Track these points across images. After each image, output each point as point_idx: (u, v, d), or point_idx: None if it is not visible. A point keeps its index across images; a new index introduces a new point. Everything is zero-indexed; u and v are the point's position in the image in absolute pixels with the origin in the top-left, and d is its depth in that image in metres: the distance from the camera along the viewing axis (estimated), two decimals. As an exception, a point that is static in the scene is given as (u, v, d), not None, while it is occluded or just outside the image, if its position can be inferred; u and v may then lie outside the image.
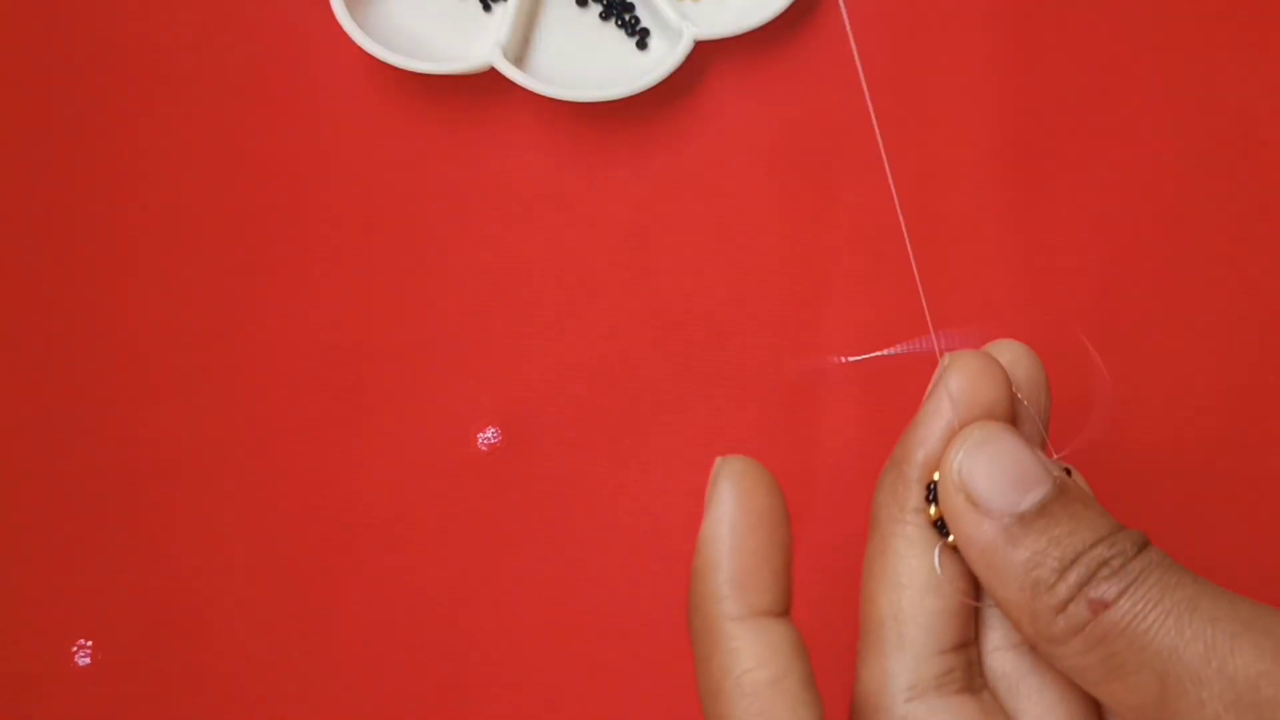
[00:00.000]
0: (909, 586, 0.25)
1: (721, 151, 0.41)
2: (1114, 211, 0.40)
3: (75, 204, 0.41)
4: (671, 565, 0.39)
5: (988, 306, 0.40)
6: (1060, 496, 0.23)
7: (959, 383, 0.25)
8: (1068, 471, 0.26)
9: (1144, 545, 0.22)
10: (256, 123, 0.42)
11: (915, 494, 0.25)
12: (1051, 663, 0.23)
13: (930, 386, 0.25)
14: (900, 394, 0.39)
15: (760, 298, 0.40)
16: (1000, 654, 0.26)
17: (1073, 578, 0.22)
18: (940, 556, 0.24)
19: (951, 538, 0.24)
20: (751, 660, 0.23)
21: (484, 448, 0.40)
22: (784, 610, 0.24)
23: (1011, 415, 0.25)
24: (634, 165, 0.41)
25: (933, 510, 0.24)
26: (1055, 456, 0.26)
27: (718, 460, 0.25)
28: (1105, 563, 0.22)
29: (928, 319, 0.27)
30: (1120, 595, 0.21)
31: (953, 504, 0.23)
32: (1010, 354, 0.26)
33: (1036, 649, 0.23)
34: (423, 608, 0.39)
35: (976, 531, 0.23)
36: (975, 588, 0.25)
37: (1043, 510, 0.23)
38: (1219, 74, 0.41)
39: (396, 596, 0.39)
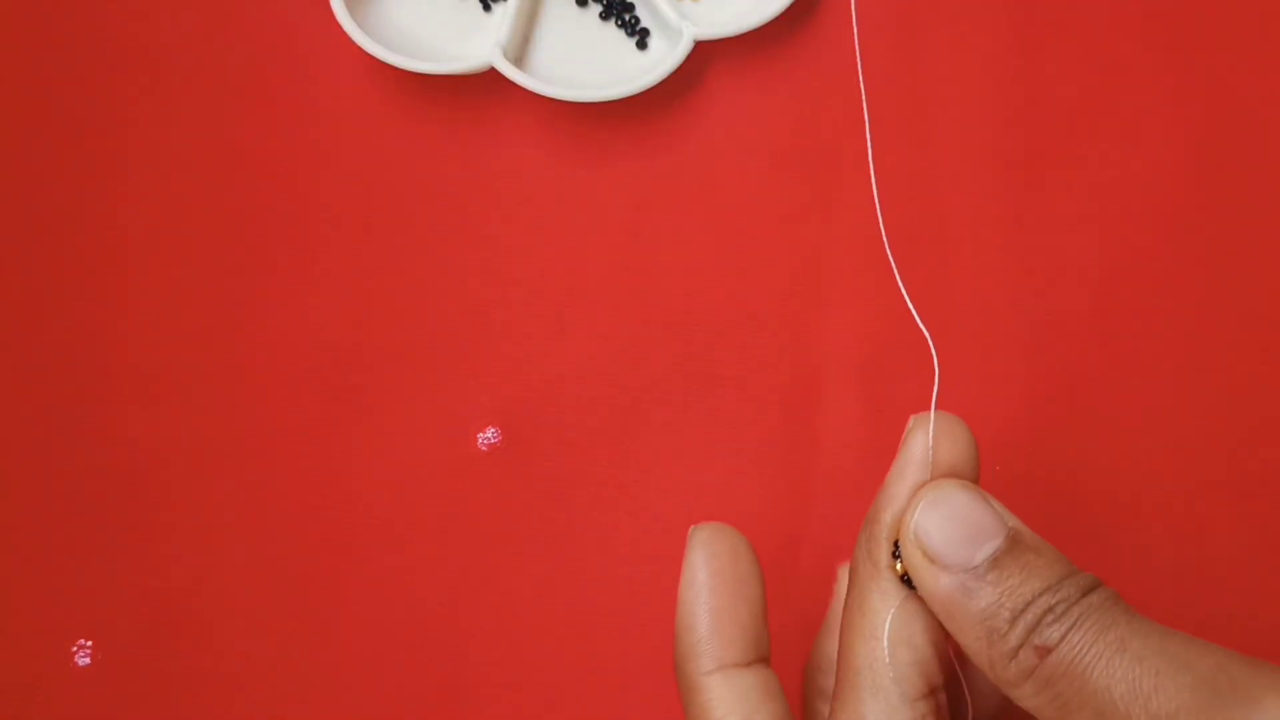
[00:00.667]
0: (881, 639, 0.27)
1: (721, 151, 0.41)
2: (1114, 212, 0.40)
3: (74, 203, 0.41)
4: (671, 565, 0.39)
5: (987, 306, 0.40)
6: (1012, 549, 0.24)
7: (923, 442, 0.27)
8: None
9: (1089, 590, 0.24)
10: (256, 122, 0.42)
11: (886, 550, 0.27)
12: (1015, 703, 0.24)
13: (901, 446, 0.27)
14: (900, 394, 0.39)
15: (760, 297, 0.40)
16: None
17: (1021, 626, 0.23)
18: (890, 624, 0.26)
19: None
20: (722, 708, 0.26)
21: (484, 448, 0.40)
22: (755, 658, 0.27)
23: (976, 473, 0.27)
24: (634, 165, 0.41)
25: (898, 565, 0.26)
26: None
27: (690, 530, 0.28)
28: (1050, 609, 0.23)
29: (923, 330, 0.28)
30: (1061, 640, 0.23)
31: (912, 560, 0.25)
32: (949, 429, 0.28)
33: (1005, 692, 0.25)
34: (423, 608, 0.39)
35: (936, 586, 0.25)
36: (945, 639, 0.27)
37: (995, 563, 0.24)
38: (1220, 74, 0.41)
39: (396, 596, 0.39)
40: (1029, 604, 0.23)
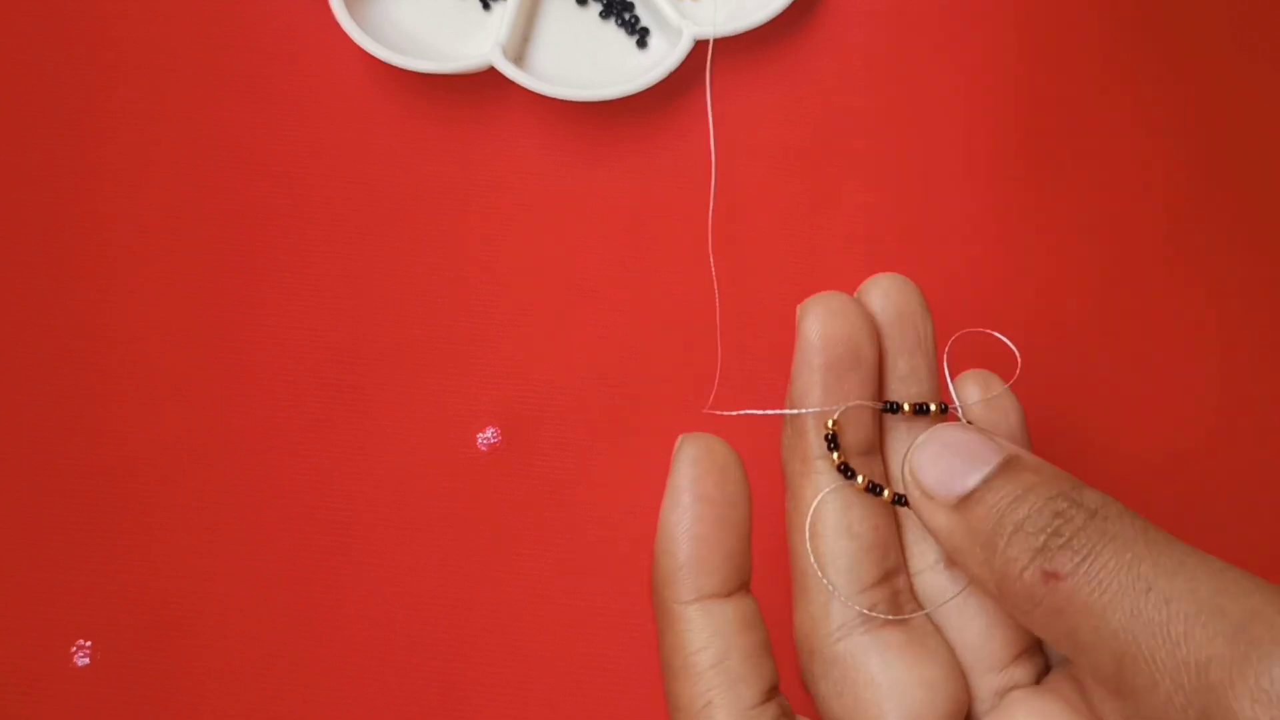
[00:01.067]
0: (822, 534, 0.26)
1: (721, 150, 0.41)
2: (1114, 211, 0.40)
3: (73, 203, 0.41)
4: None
5: (987, 305, 0.40)
6: (1007, 466, 0.23)
7: (816, 326, 0.26)
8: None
9: (1097, 510, 0.22)
10: (255, 122, 0.41)
11: (814, 443, 0.26)
12: (1030, 629, 0.23)
13: (797, 337, 0.27)
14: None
15: (761, 296, 0.40)
16: (928, 575, 0.27)
17: (1022, 539, 0.22)
18: (811, 516, 0.26)
19: (860, 479, 0.26)
20: (697, 642, 0.24)
21: (484, 448, 0.40)
22: (736, 588, 0.25)
23: (876, 349, 0.27)
24: (634, 164, 0.41)
25: (835, 456, 0.26)
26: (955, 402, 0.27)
27: (678, 440, 0.26)
28: (1056, 529, 0.22)
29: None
30: (1075, 570, 0.21)
31: (914, 502, 0.24)
32: (883, 286, 0.28)
33: (1016, 619, 0.24)
34: (422, 608, 0.39)
35: (935, 520, 0.24)
36: (892, 521, 0.27)
37: (988, 483, 0.23)
38: (1222, 74, 0.41)
39: (396, 597, 0.39)
40: (1025, 518, 0.22)
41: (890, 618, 0.26)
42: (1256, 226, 0.40)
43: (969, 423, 0.27)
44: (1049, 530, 0.22)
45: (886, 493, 0.26)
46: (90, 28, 0.42)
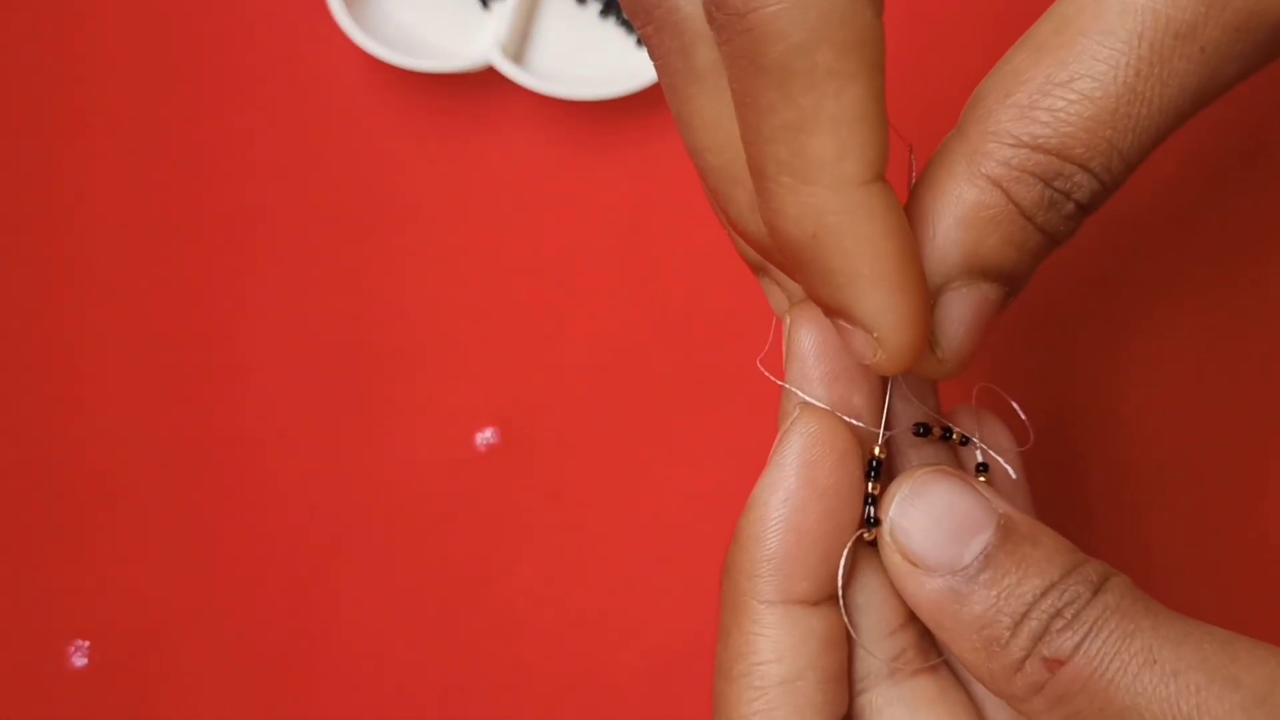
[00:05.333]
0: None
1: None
2: (1114, 210, 0.40)
3: (71, 203, 0.41)
4: (671, 566, 0.39)
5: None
6: (1005, 541, 0.21)
7: (809, 335, 0.23)
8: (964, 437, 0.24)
9: (1100, 585, 0.20)
10: (253, 121, 0.41)
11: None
12: (1021, 715, 0.21)
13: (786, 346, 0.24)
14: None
15: (761, 296, 0.40)
16: None
17: (1025, 635, 0.20)
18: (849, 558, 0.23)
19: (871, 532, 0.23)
20: (771, 652, 0.22)
21: (483, 448, 0.39)
22: (825, 598, 0.22)
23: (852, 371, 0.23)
24: (634, 163, 0.41)
25: (871, 487, 0.22)
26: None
27: (797, 408, 0.23)
28: (1059, 612, 0.20)
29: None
30: (1075, 650, 0.20)
31: (892, 563, 0.22)
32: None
33: (1008, 704, 0.22)
34: (421, 608, 0.39)
35: (920, 592, 0.21)
36: None
37: (987, 560, 0.21)
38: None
39: (395, 597, 0.39)
40: (1031, 606, 0.20)
41: (918, 667, 0.24)
42: (1259, 226, 0.40)
43: (976, 464, 0.24)
44: (1051, 612, 0.20)
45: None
46: (90, 27, 0.42)
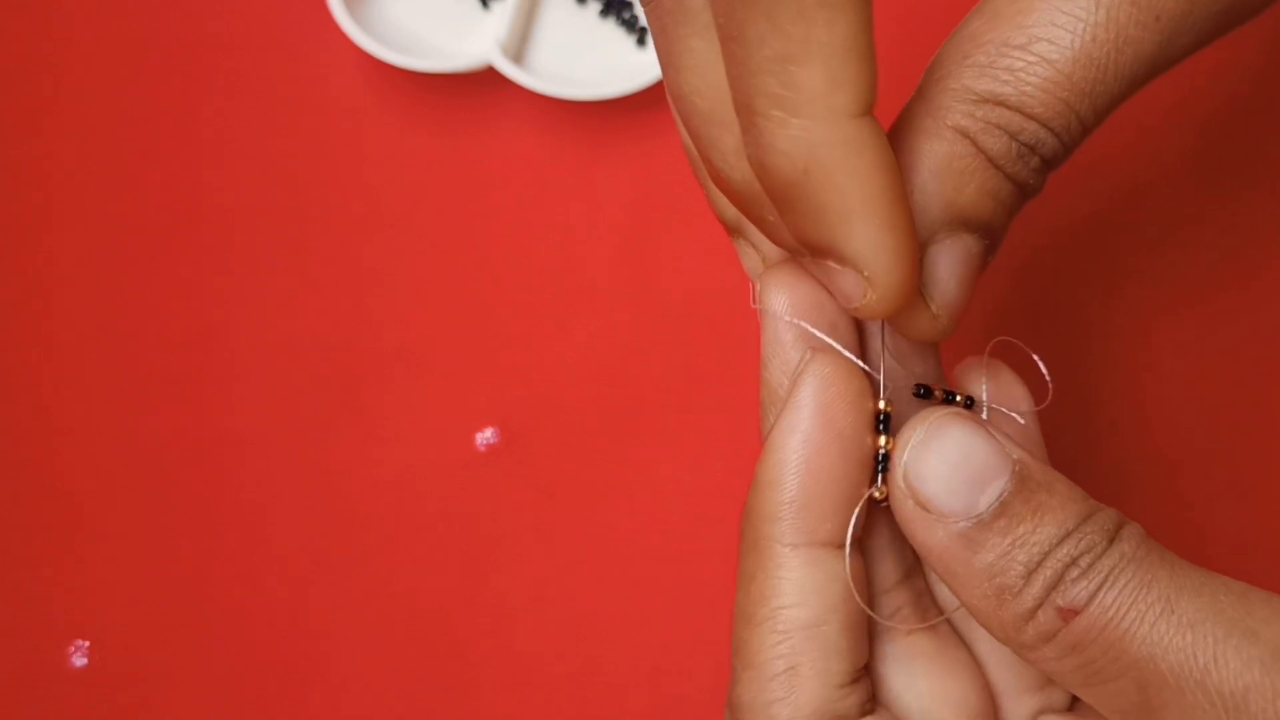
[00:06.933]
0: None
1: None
2: (1114, 208, 0.40)
3: (69, 203, 0.41)
4: (671, 565, 0.39)
5: (987, 303, 0.40)
6: (1021, 488, 0.20)
7: (782, 296, 0.22)
8: (970, 402, 0.24)
9: (1115, 534, 0.20)
10: (252, 121, 0.41)
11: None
12: (1033, 666, 0.21)
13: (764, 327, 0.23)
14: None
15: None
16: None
17: (1039, 583, 0.20)
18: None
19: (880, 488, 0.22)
20: (795, 595, 0.21)
21: (483, 448, 0.39)
22: (845, 541, 0.22)
23: (853, 321, 0.23)
24: (634, 163, 0.41)
25: (884, 441, 0.22)
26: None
27: (808, 353, 0.22)
28: (1074, 561, 0.20)
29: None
30: (1091, 600, 0.19)
31: (903, 509, 0.21)
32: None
33: (1016, 653, 0.21)
34: (421, 609, 0.39)
35: (932, 538, 0.21)
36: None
37: (1002, 508, 0.20)
38: (1221, 72, 0.41)
39: (394, 597, 0.39)
40: (1046, 555, 0.20)
41: (913, 627, 0.24)
42: (1258, 224, 0.40)
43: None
44: (1066, 560, 0.20)
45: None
46: (89, 27, 0.42)
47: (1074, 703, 0.25)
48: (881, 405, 0.22)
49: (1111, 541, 0.20)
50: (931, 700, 0.23)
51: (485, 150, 0.41)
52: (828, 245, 0.20)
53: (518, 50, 0.41)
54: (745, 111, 0.19)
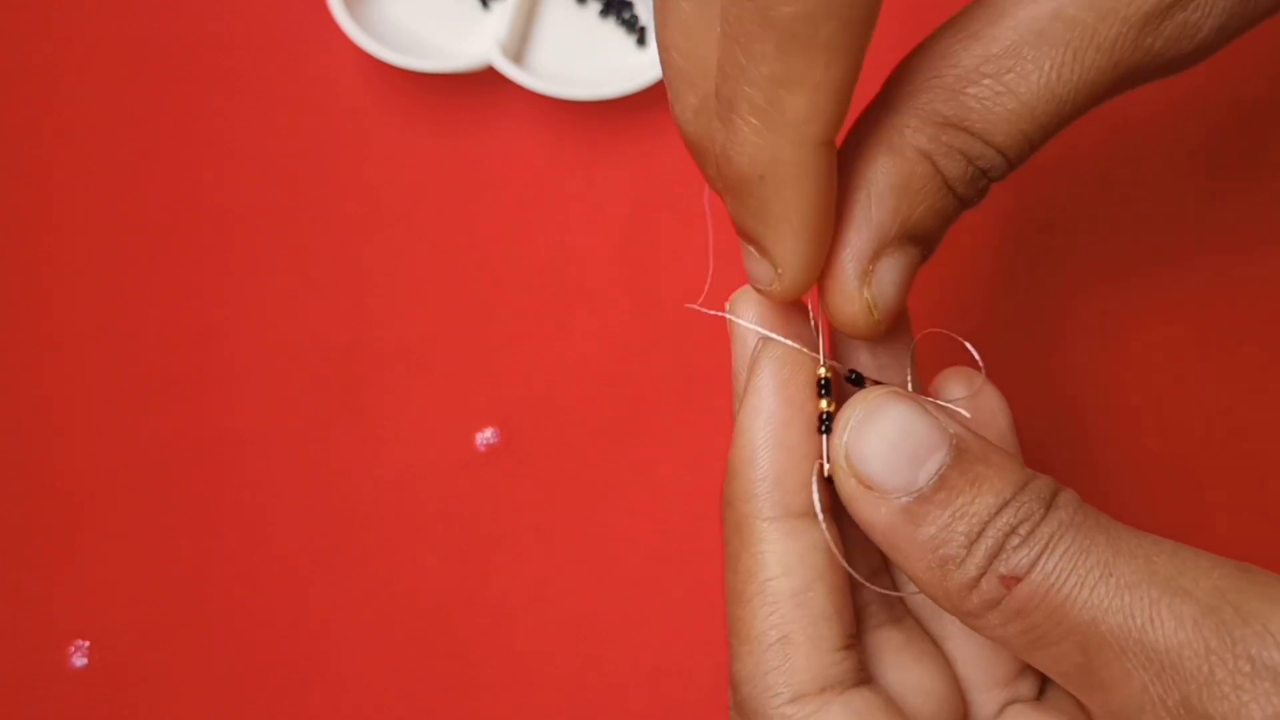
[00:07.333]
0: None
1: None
2: (1114, 208, 0.40)
3: (69, 203, 0.41)
4: (671, 565, 0.39)
5: (987, 303, 0.40)
6: (958, 461, 0.21)
7: (751, 314, 0.24)
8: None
9: (1052, 501, 0.21)
10: (252, 120, 0.41)
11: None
12: (978, 634, 0.22)
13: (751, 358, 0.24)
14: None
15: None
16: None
17: (980, 553, 0.20)
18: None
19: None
20: (778, 567, 0.22)
21: (482, 448, 0.39)
22: (817, 506, 0.23)
23: (826, 338, 0.24)
24: (633, 163, 0.41)
25: (825, 404, 0.23)
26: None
27: (759, 341, 0.24)
28: (1014, 529, 0.20)
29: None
30: (1032, 567, 0.20)
31: (846, 488, 0.22)
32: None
33: (963, 623, 0.22)
34: (421, 609, 0.39)
35: (875, 514, 0.21)
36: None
37: (941, 481, 0.21)
38: (1220, 71, 0.41)
39: (394, 598, 0.39)
40: (986, 524, 0.20)
41: (879, 621, 0.24)
42: (1259, 223, 0.40)
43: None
44: (1005, 529, 0.20)
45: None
46: (88, 26, 0.42)
47: (1041, 692, 0.25)
48: (821, 372, 0.23)
49: (1049, 508, 0.21)
50: (902, 689, 0.24)
51: (485, 150, 0.41)
52: (757, 239, 0.22)
53: (518, 50, 0.41)
54: (725, 105, 0.21)
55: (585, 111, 0.41)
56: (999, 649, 0.25)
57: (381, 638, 0.39)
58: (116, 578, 0.39)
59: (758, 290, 0.23)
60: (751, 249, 0.22)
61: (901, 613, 0.25)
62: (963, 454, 0.21)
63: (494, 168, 0.41)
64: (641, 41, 0.41)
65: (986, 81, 0.22)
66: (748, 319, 0.24)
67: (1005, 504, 0.21)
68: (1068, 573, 0.20)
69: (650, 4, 0.40)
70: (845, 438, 0.22)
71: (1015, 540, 0.20)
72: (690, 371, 0.40)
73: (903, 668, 0.24)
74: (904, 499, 0.21)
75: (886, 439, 0.21)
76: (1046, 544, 0.20)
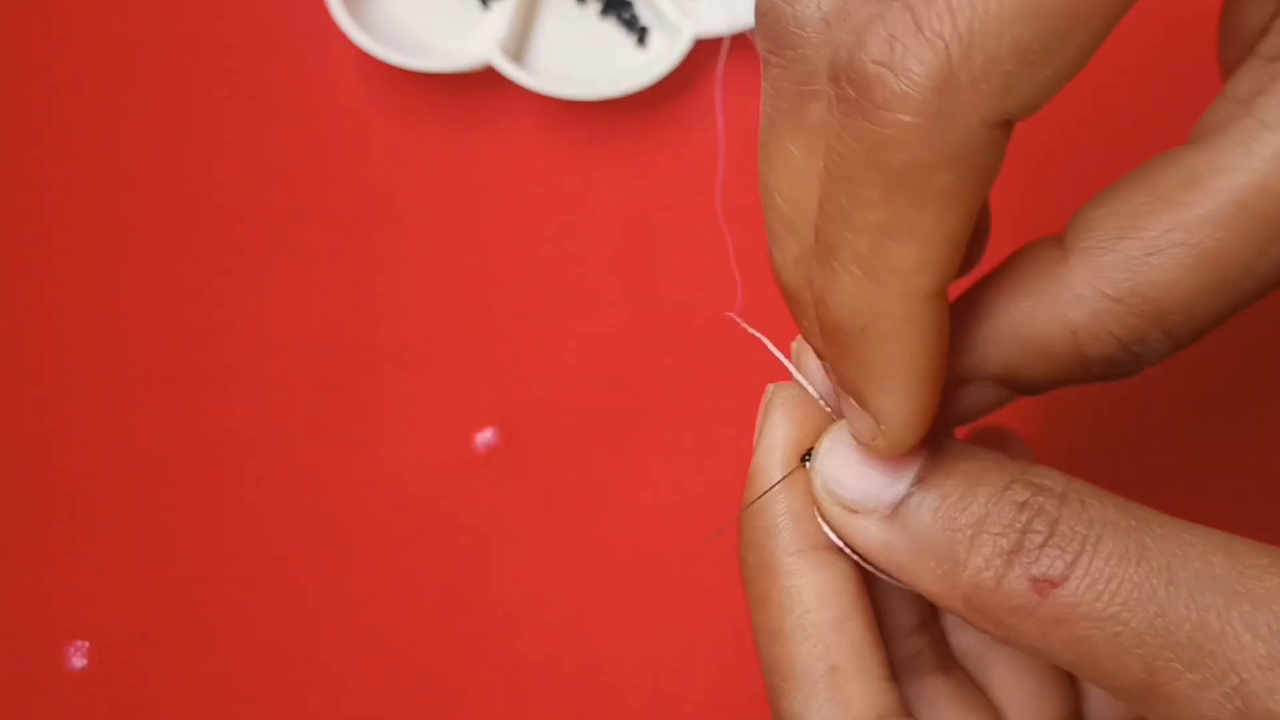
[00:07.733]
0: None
1: (722, 147, 0.41)
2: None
3: (69, 203, 0.41)
4: (672, 566, 0.39)
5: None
6: (937, 462, 0.20)
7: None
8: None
9: (1065, 494, 0.19)
10: (251, 120, 0.41)
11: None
12: (1015, 648, 0.21)
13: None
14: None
15: (761, 296, 0.40)
16: (961, 630, 0.25)
17: (987, 543, 0.19)
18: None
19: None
20: (814, 599, 0.21)
21: (482, 449, 0.39)
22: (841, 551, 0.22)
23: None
24: (634, 163, 0.41)
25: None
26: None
27: (769, 388, 0.23)
28: (1029, 526, 0.19)
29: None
30: (1069, 571, 0.18)
31: (834, 519, 0.21)
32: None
33: (994, 638, 0.20)
34: (420, 610, 0.39)
35: (868, 537, 0.20)
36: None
37: (921, 483, 0.20)
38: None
39: (393, 599, 0.39)
40: (983, 516, 0.19)
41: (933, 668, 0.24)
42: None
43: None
44: (1018, 527, 0.19)
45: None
46: (86, 26, 0.42)
47: None
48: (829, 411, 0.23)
49: (1064, 499, 0.19)
50: None
51: (485, 150, 0.41)
52: (857, 393, 0.20)
53: (518, 50, 0.41)
54: (825, 249, 0.19)
55: (585, 111, 0.41)
56: (1047, 696, 0.24)
57: (381, 638, 0.39)
58: (116, 578, 0.39)
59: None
60: (851, 400, 0.20)
61: (951, 662, 0.25)
62: (939, 455, 0.20)
63: (494, 168, 0.41)
64: (641, 41, 0.41)
65: (1174, 252, 0.20)
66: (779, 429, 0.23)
67: (1003, 490, 0.19)
68: (1120, 579, 0.18)
69: (649, 4, 0.40)
70: (819, 466, 0.21)
71: (1036, 539, 0.18)
72: (691, 372, 0.40)
73: (953, 714, 0.23)
74: (887, 510, 0.20)
75: (854, 455, 0.21)
76: (1084, 545, 0.18)
